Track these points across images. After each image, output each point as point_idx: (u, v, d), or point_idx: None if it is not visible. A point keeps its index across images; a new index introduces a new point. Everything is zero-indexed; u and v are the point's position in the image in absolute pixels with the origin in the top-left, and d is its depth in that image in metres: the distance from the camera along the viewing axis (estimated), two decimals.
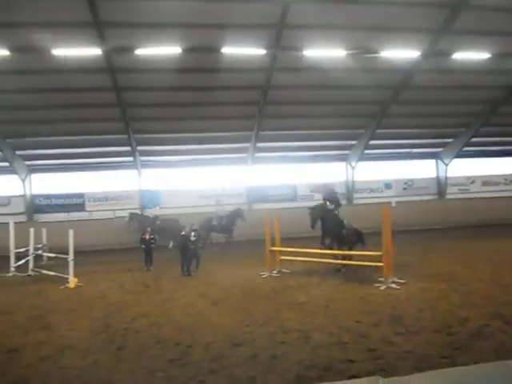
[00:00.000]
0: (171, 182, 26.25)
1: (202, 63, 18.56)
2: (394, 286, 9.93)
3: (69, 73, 17.98)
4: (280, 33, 17.01)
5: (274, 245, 13.06)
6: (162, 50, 17.39)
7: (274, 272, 12.58)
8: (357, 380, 4.40)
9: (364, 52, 18.62)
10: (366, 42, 18.17)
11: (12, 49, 16.40)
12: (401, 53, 18.90)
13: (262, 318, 7.68)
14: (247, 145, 25.32)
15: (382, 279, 10.22)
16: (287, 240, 13.62)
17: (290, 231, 16.01)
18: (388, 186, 28.36)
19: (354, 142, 26.67)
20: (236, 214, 21.73)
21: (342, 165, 28.06)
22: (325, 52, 18.32)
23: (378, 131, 24.84)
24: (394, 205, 24.28)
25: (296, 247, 12.62)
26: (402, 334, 6.45)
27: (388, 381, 3.77)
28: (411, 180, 28.65)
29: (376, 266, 10.57)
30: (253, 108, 22.18)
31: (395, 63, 19.53)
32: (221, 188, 25.24)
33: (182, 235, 14.13)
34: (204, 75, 19.43)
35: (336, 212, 13.22)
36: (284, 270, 12.79)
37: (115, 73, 18.52)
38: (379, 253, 10.37)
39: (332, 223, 12.78)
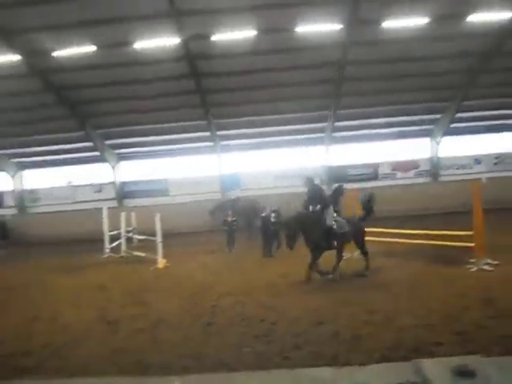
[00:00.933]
0: (250, 164, 26.68)
1: (276, 44, 18.50)
2: (486, 267, 9.31)
3: (150, 64, 18.81)
4: (356, 5, 16.40)
5: None
6: (238, 34, 17.58)
7: (356, 253, 12.30)
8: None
9: (448, 18, 17.37)
10: (449, 7, 16.91)
11: (98, 44, 17.45)
12: (490, 16, 17.25)
13: (345, 299, 7.61)
14: (324, 124, 24.92)
15: (473, 260, 9.63)
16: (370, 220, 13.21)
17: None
18: (477, 161, 26.54)
19: (438, 116, 25.22)
20: (338, 193, 20.81)
21: (426, 141, 26.74)
22: (403, 22, 17.37)
23: (465, 103, 23.25)
24: (484, 181, 22.67)
25: (376, 227, 12.22)
26: (495, 318, 6.04)
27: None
28: (503, 154, 26.60)
29: (465, 247, 9.96)
30: (329, 86, 21.74)
31: (483, 28, 17.99)
32: (298, 169, 25.12)
33: (263, 217, 14.28)
34: (279, 56, 19.34)
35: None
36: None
37: (194, 60, 19.03)
38: (469, 232, 9.75)
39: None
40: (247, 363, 5.06)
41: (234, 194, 24.07)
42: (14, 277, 12.54)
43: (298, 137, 25.96)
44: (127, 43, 17.56)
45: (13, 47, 17.48)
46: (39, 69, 19.20)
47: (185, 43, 17.78)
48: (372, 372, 2.07)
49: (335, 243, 9.59)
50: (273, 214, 14.06)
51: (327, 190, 20.45)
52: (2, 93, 20.18)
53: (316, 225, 9.31)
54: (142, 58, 18.44)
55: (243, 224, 18.27)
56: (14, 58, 18.01)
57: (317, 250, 9.38)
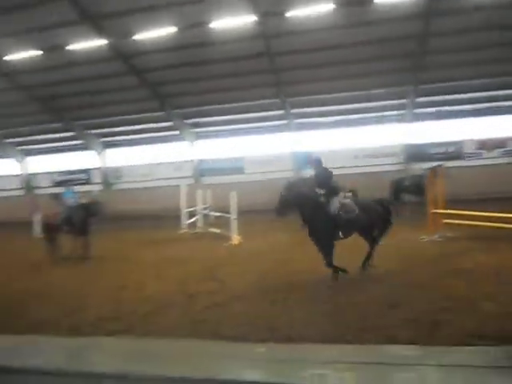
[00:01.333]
0: (326, 143, 26.30)
1: (352, 18, 17.91)
2: None
3: (226, 43, 19.02)
4: None
5: (437, 207, 12.19)
6: (312, 10, 17.19)
7: (436, 236, 11.83)
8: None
9: None
10: None
11: (177, 25, 17.94)
12: None
13: (422, 283, 7.37)
14: (405, 101, 23.86)
15: None
16: (453, 202, 12.60)
17: (455, 192, 14.67)
18: None
19: None
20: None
21: None
22: None
23: None
24: None
25: (462, 210, 11.63)
26: None
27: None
28: None
29: None
30: (409, 60, 20.71)
31: None
32: (377, 147, 24.38)
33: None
34: (355, 31, 18.74)
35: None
36: (448, 235, 11.93)
37: (268, 38, 18.97)
38: None
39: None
40: (315, 340, 5.12)
41: (307, 173, 23.93)
42: (102, 249, 13.52)
43: (377, 114, 25.11)
44: (204, 23, 17.86)
45: (100, 32, 18.48)
46: (122, 52, 20.18)
47: (259, 21, 17.74)
48: (461, 353, 1.97)
49: (340, 234, 7.85)
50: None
51: (413, 171, 19.50)
52: (90, 76, 21.60)
53: (317, 211, 7.78)
54: (219, 38, 18.69)
55: None
56: (100, 42, 19.06)
57: (326, 246, 7.79)
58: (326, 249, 7.77)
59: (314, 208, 7.85)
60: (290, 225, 15.77)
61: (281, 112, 24.94)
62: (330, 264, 7.74)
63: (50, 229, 12.13)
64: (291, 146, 26.63)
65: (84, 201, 12.63)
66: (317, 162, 8.58)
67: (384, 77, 21.80)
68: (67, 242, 12.26)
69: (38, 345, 1.79)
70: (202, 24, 17.99)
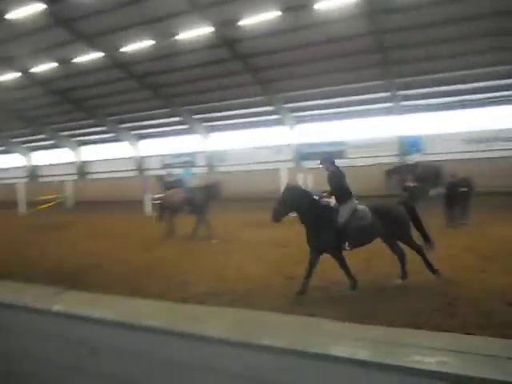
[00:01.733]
0: (434, 127, 24.65)
1: None
2: None
3: (330, 24, 18.58)
4: None
5: None
6: None
7: None
8: None
9: None
10: None
11: (281, 9, 17.90)
12: None
13: None
14: None
15: None
16: None
17: None
18: None
19: None
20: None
21: None
22: None
23: None
24: None
25: None
26: None
27: None
28: None
29: None
30: None
31: None
32: (492, 131, 22.33)
33: (450, 182, 13.24)
34: (460, 6, 17.01)
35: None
36: None
37: (375, 16, 18.16)
38: None
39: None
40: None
41: (413, 158, 22.72)
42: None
43: (489, 95, 22.92)
44: (308, 5, 17.59)
45: (205, 19, 19.12)
46: (227, 38, 20.70)
47: None
48: None
49: (346, 245, 6.64)
50: (463, 183, 12.91)
51: None
52: (197, 63, 22.58)
53: (319, 218, 6.73)
54: (323, 19, 18.32)
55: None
56: (206, 30, 19.74)
57: (337, 256, 6.78)
58: (339, 259, 6.78)
59: (317, 215, 6.74)
60: None
61: (386, 94, 23.86)
62: (348, 275, 6.73)
63: (168, 208, 12.85)
64: (397, 129, 25.40)
65: (204, 183, 13.19)
66: (328, 162, 7.15)
67: (497, 53, 19.69)
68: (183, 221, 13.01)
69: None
70: (305, 6, 17.75)
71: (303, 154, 28.07)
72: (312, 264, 6.72)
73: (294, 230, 13.03)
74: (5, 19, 18.42)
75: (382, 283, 7.02)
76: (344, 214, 6.67)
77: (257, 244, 10.91)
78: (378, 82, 22.88)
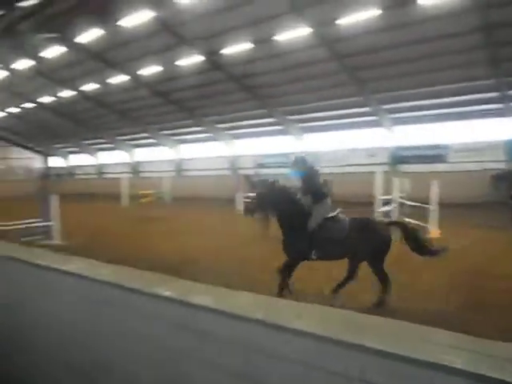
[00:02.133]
0: None
1: None
2: None
3: (432, 21, 17.66)
4: None
5: None
6: None
7: None
8: None
9: None
10: None
11: (382, 7, 17.36)
12: None
13: None
14: None
15: None
16: None
17: None
18: None
19: None
20: None
21: None
22: None
23: None
24: None
25: None
26: None
27: None
28: None
29: None
30: None
31: None
32: None
33: None
34: None
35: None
36: None
37: (484, 9, 16.90)
38: None
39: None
40: None
41: None
42: None
43: None
44: (411, 1, 16.86)
45: (304, 20, 19.15)
46: (326, 38, 20.54)
47: None
48: None
49: (313, 253, 6.12)
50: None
51: None
52: (292, 64, 22.76)
53: (295, 219, 6.25)
54: (426, 16, 17.45)
55: None
56: (304, 31, 19.76)
57: (290, 260, 6.29)
58: (288, 262, 6.26)
59: (293, 214, 6.27)
60: (495, 222, 14.14)
61: (495, 94, 22.07)
62: (283, 277, 6.23)
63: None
64: (505, 132, 23.38)
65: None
66: (301, 163, 6.71)
67: None
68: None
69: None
70: (407, 2, 17.02)
71: (400, 157, 27.01)
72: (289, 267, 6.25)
73: None
74: (117, 26, 19.98)
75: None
76: (317, 217, 6.20)
77: None
78: (486, 81, 21.25)
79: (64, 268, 2.21)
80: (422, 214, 13.79)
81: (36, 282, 2.50)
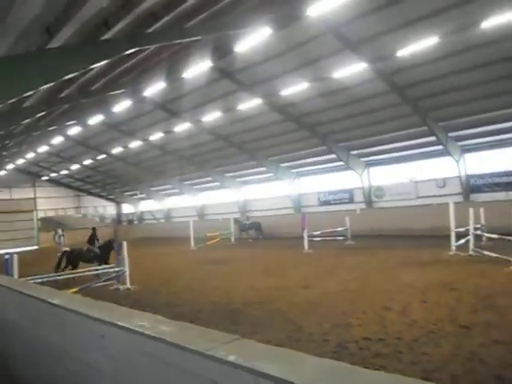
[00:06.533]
0: None
1: None
2: None
3: (499, 42, 16.94)
4: None
5: None
6: None
7: None
8: None
9: None
10: None
11: (440, 34, 16.95)
12: None
13: None
14: None
15: None
16: None
17: None
18: None
19: None
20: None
21: None
22: None
23: None
24: None
25: None
26: None
27: None
28: None
29: None
30: None
31: None
32: None
33: None
34: None
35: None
36: None
37: None
38: None
39: None
40: None
41: None
42: (363, 264, 13.65)
43: None
44: (472, 25, 16.32)
45: (360, 56, 19.11)
46: (384, 71, 20.32)
47: None
48: None
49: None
50: None
51: None
52: (351, 100, 22.67)
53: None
54: (487, 39, 16.77)
55: None
56: (361, 66, 19.69)
57: None
58: None
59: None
60: None
61: None
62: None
63: None
64: None
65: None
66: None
67: None
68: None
69: None
70: (468, 27, 16.47)
71: (473, 186, 25.60)
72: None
73: (457, 270, 11.84)
74: (181, 78, 21.01)
75: None
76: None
77: (419, 285, 10.04)
78: None
79: (124, 324, 2.17)
80: (503, 245, 12.85)
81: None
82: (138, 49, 13.74)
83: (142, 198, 50.73)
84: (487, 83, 19.68)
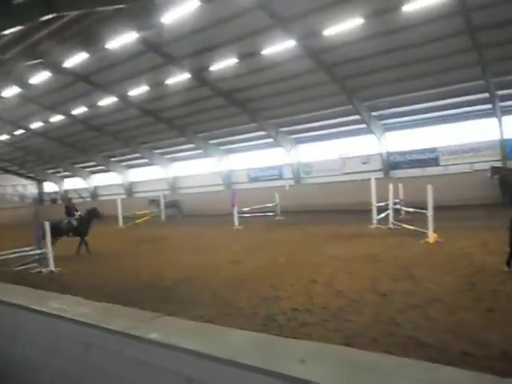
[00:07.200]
0: None
1: None
2: None
3: (418, 26, 17.75)
4: None
5: None
6: None
7: None
8: None
9: None
10: None
11: (365, 15, 17.45)
12: None
13: None
14: None
15: None
16: None
17: None
18: None
19: None
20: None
21: None
22: None
23: None
24: None
25: None
26: None
27: None
28: None
29: None
30: None
31: None
32: None
33: None
34: None
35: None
36: None
37: (468, 12, 17.00)
38: None
39: None
40: None
41: None
42: (295, 241, 14.07)
43: None
44: (395, 8, 16.95)
45: (290, 33, 19.21)
46: (312, 49, 20.61)
47: None
48: None
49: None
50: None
51: None
52: (280, 77, 22.82)
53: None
54: (410, 22, 17.54)
55: None
56: (290, 43, 19.82)
57: None
58: None
59: None
60: (494, 223, 14.04)
61: (484, 95, 22.14)
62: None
63: None
64: (498, 132, 23.39)
65: None
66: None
67: None
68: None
69: None
70: (392, 9, 17.09)
71: (393, 163, 27.03)
72: None
73: (378, 242, 12.57)
74: (103, 48, 19.98)
75: None
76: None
77: (344, 257, 10.53)
78: (474, 83, 21.35)
79: (40, 308, 2.06)
80: (418, 218, 13.74)
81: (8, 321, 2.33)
82: (55, 15, 12.79)
83: (66, 176, 48.26)
84: (408, 65, 20.64)
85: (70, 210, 15.45)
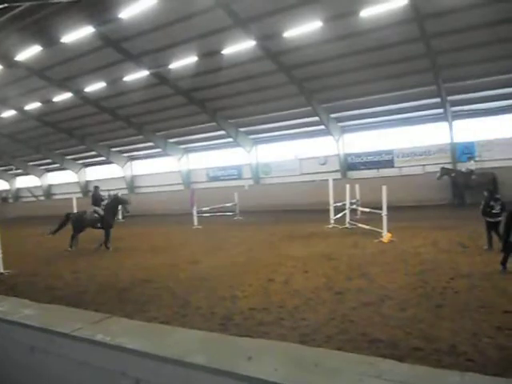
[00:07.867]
0: (488, 132, 23.42)
1: None
2: None
3: (374, 31, 18.23)
4: None
5: None
6: None
7: None
8: None
9: None
10: None
11: (324, 19, 17.75)
12: None
13: None
14: None
15: None
16: None
17: None
18: None
19: None
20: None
21: None
22: None
23: None
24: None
25: None
26: None
27: None
28: None
29: None
30: None
31: None
32: None
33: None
34: None
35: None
36: None
37: (423, 20, 17.62)
38: None
39: None
40: (488, 356, 4.54)
41: (467, 166, 21.93)
42: (253, 241, 14.13)
43: None
44: (353, 13, 17.33)
45: (249, 33, 19.27)
46: (272, 51, 20.75)
47: (413, 2, 16.52)
48: None
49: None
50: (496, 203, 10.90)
51: None
52: (241, 77, 22.83)
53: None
54: (367, 27, 17.98)
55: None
56: (250, 44, 19.87)
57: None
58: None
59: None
60: (442, 222, 14.67)
61: (436, 100, 23.01)
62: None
63: None
64: (449, 136, 24.37)
65: None
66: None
67: None
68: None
69: None
70: (351, 14, 17.46)
71: (350, 164, 27.63)
72: None
73: (334, 241, 12.86)
74: (58, 43, 19.35)
75: None
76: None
77: (301, 256, 10.70)
78: (427, 88, 22.14)
79: None
80: (374, 218, 14.12)
81: None
82: (6, 5, 12.26)
83: (18, 174, 46.37)
84: (366, 69, 21.16)
85: (96, 199, 14.56)
